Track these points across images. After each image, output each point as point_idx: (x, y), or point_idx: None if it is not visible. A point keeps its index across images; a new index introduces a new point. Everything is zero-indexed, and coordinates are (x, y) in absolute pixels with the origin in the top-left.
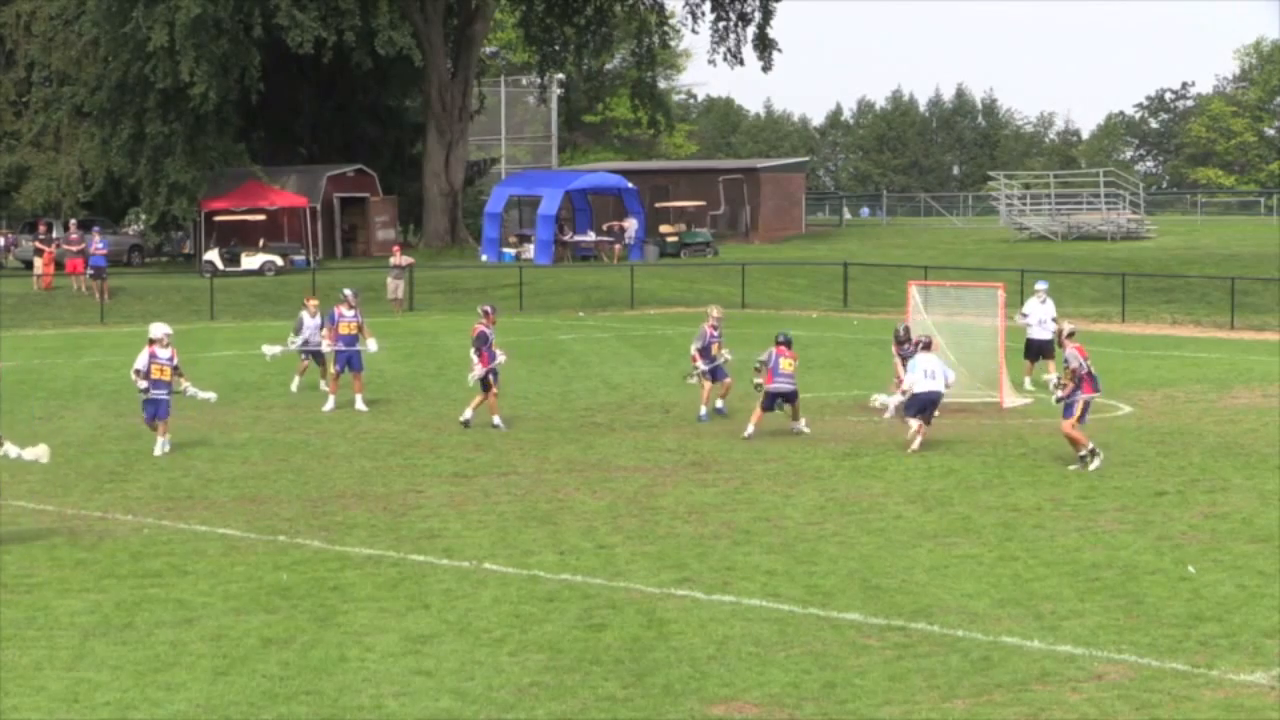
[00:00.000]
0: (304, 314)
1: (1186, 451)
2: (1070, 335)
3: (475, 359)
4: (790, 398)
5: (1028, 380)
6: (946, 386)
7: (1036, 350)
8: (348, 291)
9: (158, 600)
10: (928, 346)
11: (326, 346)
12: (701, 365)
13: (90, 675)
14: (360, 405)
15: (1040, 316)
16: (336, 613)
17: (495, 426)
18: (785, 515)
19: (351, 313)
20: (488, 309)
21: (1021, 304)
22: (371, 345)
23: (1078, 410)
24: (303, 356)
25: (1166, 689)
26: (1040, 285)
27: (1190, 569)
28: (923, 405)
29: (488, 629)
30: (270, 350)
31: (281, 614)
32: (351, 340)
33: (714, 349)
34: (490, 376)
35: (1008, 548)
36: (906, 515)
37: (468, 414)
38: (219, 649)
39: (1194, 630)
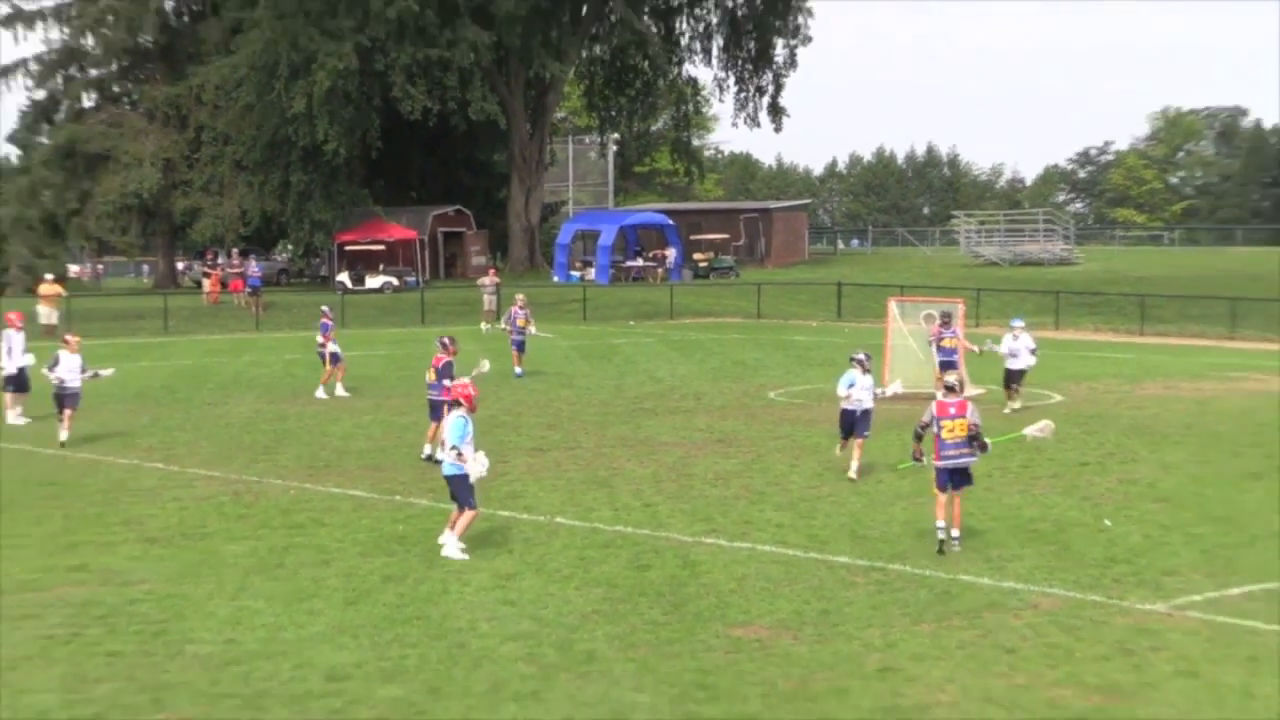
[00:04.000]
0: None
1: (1105, 431)
2: (950, 389)
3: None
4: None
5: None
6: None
7: (1007, 380)
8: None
9: (302, 546)
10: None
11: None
12: (510, 330)
13: (250, 604)
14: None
15: (1012, 349)
16: (441, 557)
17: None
18: (791, 480)
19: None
20: (445, 341)
21: (977, 316)
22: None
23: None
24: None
25: (1087, 616)
26: (1015, 322)
27: (1106, 523)
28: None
29: (558, 569)
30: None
31: (398, 557)
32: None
33: (520, 322)
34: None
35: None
36: (886, 481)
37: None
38: (349, 584)
39: (1109, 570)
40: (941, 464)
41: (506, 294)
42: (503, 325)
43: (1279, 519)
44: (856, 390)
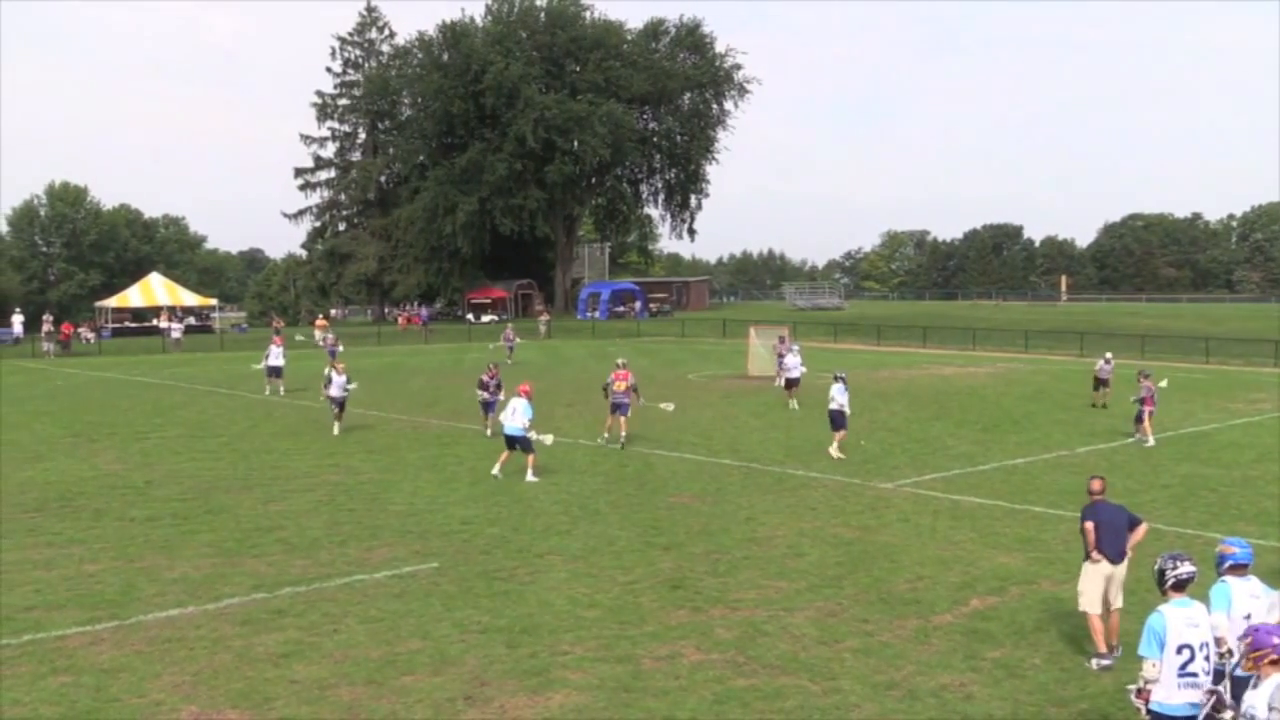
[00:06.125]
0: None
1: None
2: (619, 364)
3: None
4: (624, 409)
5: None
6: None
7: (788, 384)
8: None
9: (448, 455)
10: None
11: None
12: (506, 345)
13: (421, 485)
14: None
15: (791, 363)
16: (524, 480)
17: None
18: (700, 421)
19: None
20: (493, 370)
21: (793, 339)
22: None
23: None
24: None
25: (851, 490)
26: (794, 345)
27: (862, 443)
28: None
29: (582, 467)
30: None
31: (496, 461)
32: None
33: (509, 333)
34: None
35: (770, 417)
36: (742, 422)
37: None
38: (472, 474)
39: (863, 466)
40: (613, 400)
41: (558, 324)
42: (502, 342)
43: (950, 440)
44: (841, 397)
